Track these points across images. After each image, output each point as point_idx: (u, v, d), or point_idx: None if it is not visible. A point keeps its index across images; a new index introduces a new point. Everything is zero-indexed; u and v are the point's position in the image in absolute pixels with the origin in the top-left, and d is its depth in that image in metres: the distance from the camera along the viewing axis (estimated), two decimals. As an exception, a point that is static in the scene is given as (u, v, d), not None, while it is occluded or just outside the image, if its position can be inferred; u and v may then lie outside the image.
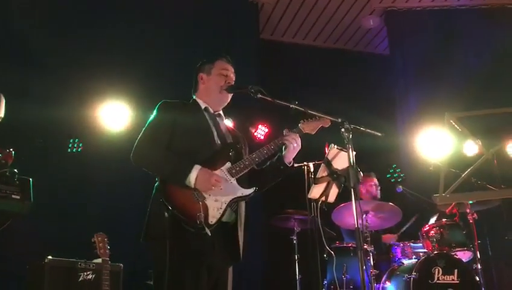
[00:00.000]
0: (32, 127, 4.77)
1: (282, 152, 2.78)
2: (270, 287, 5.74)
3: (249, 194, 2.63)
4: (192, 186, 2.48)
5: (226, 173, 2.61)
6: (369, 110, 6.15)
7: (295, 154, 2.80)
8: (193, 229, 2.42)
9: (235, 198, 2.59)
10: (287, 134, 2.75)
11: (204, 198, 2.49)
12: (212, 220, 2.48)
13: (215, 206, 2.51)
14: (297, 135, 2.77)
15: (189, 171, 2.48)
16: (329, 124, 2.79)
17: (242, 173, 2.64)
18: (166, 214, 2.41)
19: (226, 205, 2.54)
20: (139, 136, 2.67)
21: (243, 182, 2.66)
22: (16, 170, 2.91)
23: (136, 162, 2.63)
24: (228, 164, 2.64)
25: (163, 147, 2.61)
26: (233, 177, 2.61)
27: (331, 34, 7.43)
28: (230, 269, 2.68)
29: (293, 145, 2.74)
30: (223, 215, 2.52)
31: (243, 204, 2.72)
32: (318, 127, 2.82)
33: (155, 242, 2.49)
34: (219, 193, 2.53)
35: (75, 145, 4.98)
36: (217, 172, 2.58)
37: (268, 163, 2.85)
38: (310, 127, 2.80)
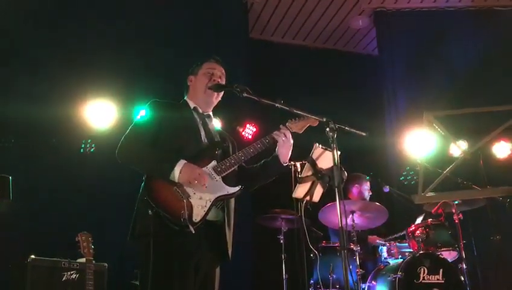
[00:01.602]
0: (16, 125, 4.71)
1: (275, 151, 2.78)
2: (256, 287, 5.72)
3: (235, 193, 2.62)
4: (176, 180, 2.46)
5: (211, 170, 2.60)
6: (357, 110, 6.18)
7: (289, 152, 2.80)
8: (177, 227, 2.40)
9: (220, 196, 2.57)
10: (276, 130, 2.76)
11: (189, 196, 2.48)
12: (197, 218, 2.46)
13: (200, 204, 2.49)
14: (287, 129, 2.77)
15: (174, 165, 2.47)
16: (318, 123, 2.80)
17: (228, 172, 2.63)
18: (150, 212, 2.40)
19: (210, 203, 2.52)
20: (125, 133, 2.67)
21: (230, 181, 2.65)
22: (-5, 168, 2.86)
23: (121, 158, 2.63)
24: (214, 162, 2.63)
25: (148, 143, 2.61)
26: (218, 175, 2.60)
27: (320, 34, 7.43)
28: (218, 269, 2.66)
29: (282, 139, 2.74)
30: (207, 213, 2.50)
31: (232, 203, 2.71)
32: (306, 126, 2.83)
33: (140, 241, 2.48)
34: (203, 191, 2.51)
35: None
36: (202, 169, 2.57)
37: (262, 162, 2.85)
38: (297, 126, 2.81)
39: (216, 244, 2.60)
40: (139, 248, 2.51)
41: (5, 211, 2.84)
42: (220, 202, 2.61)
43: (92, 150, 4.99)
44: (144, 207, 2.45)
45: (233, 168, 2.66)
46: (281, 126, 2.79)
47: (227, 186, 2.61)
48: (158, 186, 2.48)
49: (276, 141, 2.76)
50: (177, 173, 2.47)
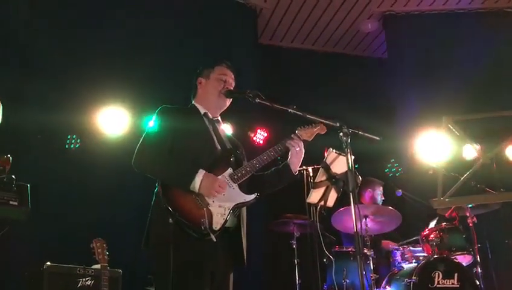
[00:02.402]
0: (30, 133, 4.76)
1: (286, 159, 2.79)
2: (269, 292, 5.72)
3: (251, 200, 2.63)
4: (197, 190, 2.48)
5: (228, 178, 2.61)
6: (368, 114, 6.14)
7: (300, 161, 2.81)
8: (197, 235, 2.42)
9: (238, 204, 2.59)
10: (288, 138, 2.77)
11: (208, 204, 2.50)
12: (217, 226, 2.48)
13: (219, 212, 2.51)
14: (299, 139, 2.77)
15: (194, 175, 2.49)
16: (325, 131, 2.83)
17: (243, 179, 2.65)
18: (170, 220, 2.40)
19: (229, 210, 2.54)
20: (140, 141, 2.67)
21: (243, 188, 2.66)
22: (13, 176, 2.89)
23: (138, 168, 2.62)
24: (230, 170, 2.64)
25: (164, 152, 2.61)
26: (235, 183, 2.62)
27: (329, 38, 7.44)
28: (231, 274, 2.68)
29: (296, 149, 2.75)
30: (226, 221, 2.52)
31: (244, 209, 2.72)
32: (314, 134, 2.84)
33: (158, 248, 2.49)
34: (222, 199, 2.53)
35: (73, 142, 4.96)
36: (219, 178, 2.58)
37: (273, 169, 2.87)
38: (307, 134, 2.82)
39: (231, 251, 2.62)
40: (155, 255, 2.52)
41: (24, 219, 2.87)
42: (237, 210, 2.62)
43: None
44: (162, 215, 2.46)
45: (248, 176, 2.67)
46: (292, 135, 2.80)
47: (244, 194, 2.63)
48: (177, 195, 2.49)
49: (289, 150, 2.77)
50: (197, 184, 2.48)
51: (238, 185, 2.63)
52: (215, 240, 2.43)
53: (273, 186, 2.88)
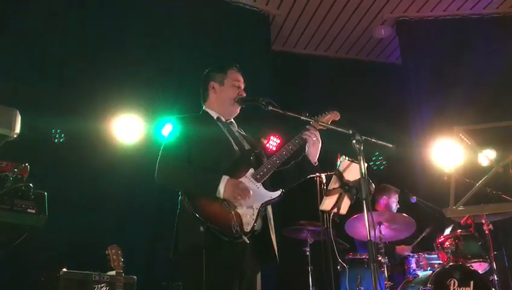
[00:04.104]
0: (46, 140, 4.84)
1: (304, 150, 2.81)
2: (283, 299, 5.70)
3: (277, 197, 2.65)
4: (222, 197, 2.50)
5: (251, 179, 2.63)
6: (381, 120, 6.14)
7: (318, 151, 2.82)
8: (229, 239, 2.44)
9: (265, 202, 2.61)
10: (304, 130, 2.78)
11: (236, 207, 2.52)
12: (247, 227, 2.51)
13: (248, 213, 2.54)
14: (316, 129, 2.79)
15: (218, 182, 2.51)
16: (339, 117, 2.86)
17: (266, 177, 2.67)
18: (201, 228, 2.42)
19: (257, 210, 2.57)
20: (159, 155, 2.69)
21: (266, 185, 2.68)
22: (31, 184, 2.94)
23: (162, 182, 2.65)
24: (251, 170, 2.66)
25: (185, 164, 2.64)
26: (258, 182, 2.64)
27: (342, 44, 7.44)
28: (259, 275, 2.69)
29: (313, 140, 2.77)
30: (256, 221, 2.55)
31: (269, 208, 2.73)
32: (329, 121, 2.85)
33: (189, 256, 2.50)
34: (249, 200, 2.55)
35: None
36: (242, 179, 2.61)
37: (292, 163, 2.88)
38: (322, 123, 2.81)
39: (260, 250, 2.62)
40: (185, 263, 2.53)
41: (42, 227, 2.93)
42: (263, 209, 2.63)
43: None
44: (191, 223, 2.47)
45: (270, 173, 2.68)
46: (307, 126, 2.81)
47: (269, 192, 2.64)
48: (204, 202, 2.51)
49: (306, 141, 2.78)
50: (221, 190, 2.50)
51: (262, 183, 2.64)
52: (248, 242, 2.45)
53: (295, 179, 2.89)
